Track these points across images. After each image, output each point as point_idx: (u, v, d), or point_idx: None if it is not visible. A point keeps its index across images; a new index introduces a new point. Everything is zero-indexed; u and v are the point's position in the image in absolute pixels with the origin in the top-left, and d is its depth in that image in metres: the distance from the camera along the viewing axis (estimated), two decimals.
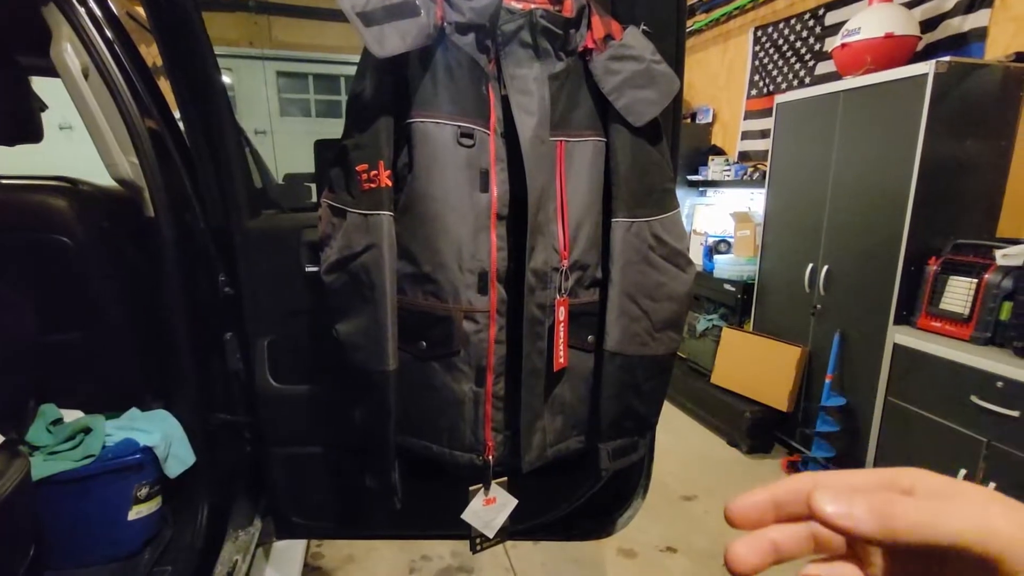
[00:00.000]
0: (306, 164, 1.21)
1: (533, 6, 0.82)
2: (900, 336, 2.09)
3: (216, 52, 1.01)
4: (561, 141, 0.87)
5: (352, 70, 0.83)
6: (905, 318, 2.15)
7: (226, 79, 3.90)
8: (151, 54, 1.21)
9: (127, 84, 1.04)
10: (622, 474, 1.14)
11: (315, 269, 0.99)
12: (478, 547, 0.98)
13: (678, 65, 0.92)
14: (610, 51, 0.86)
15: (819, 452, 2.39)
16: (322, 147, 1.08)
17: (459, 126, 0.82)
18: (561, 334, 0.88)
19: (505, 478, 0.94)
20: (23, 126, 1.14)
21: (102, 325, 1.20)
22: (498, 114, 0.85)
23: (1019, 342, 1.76)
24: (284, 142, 4.15)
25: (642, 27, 0.87)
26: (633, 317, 0.90)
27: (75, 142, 2.67)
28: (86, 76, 1.02)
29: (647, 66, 0.86)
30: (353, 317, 0.87)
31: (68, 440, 1.10)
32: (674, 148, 0.99)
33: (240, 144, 1.09)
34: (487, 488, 0.92)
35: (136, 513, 1.12)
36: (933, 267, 2.06)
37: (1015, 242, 1.94)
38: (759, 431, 2.73)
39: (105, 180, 1.23)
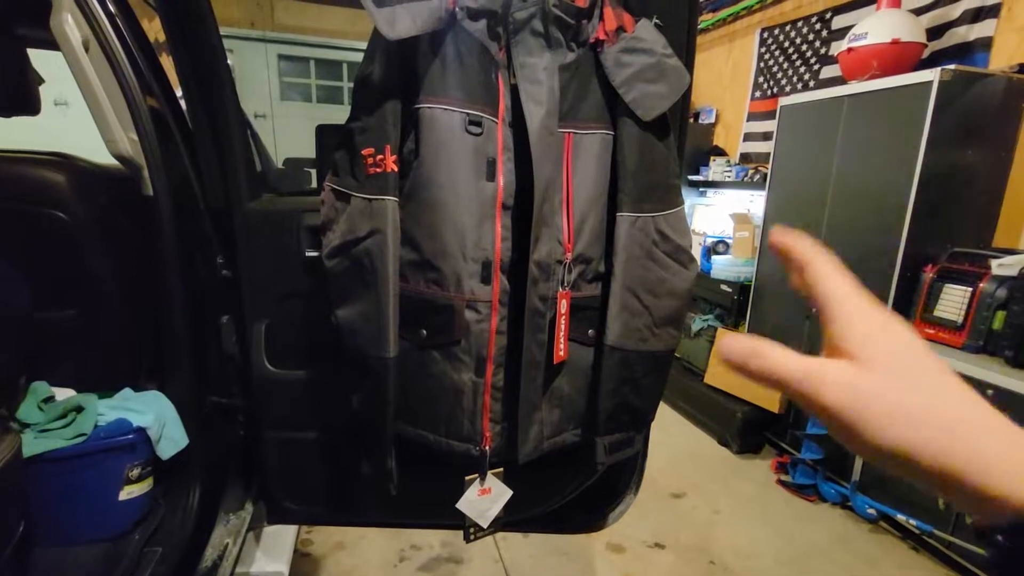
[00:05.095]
0: (306, 149, 1.19)
1: None
2: None
3: None
4: (569, 133, 0.86)
5: (355, 56, 0.82)
6: None
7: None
8: (153, 29, 1.18)
9: (128, 59, 1.02)
10: (616, 469, 1.15)
11: (315, 254, 0.98)
12: (472, 536, 0.98)
13: (688, 60, 0.91)
14: (621, 43, 0.85)
15: (808, 454, 2.41)
16: (324, 132, 1.07)
17: (467, 113, 0.81)
18: (562, 327, 0.87)
19: (501, 469, 0.94)
20: (20, 98, 1.12)
21: (97, 303, 1.19)
22: (507, 103, 0.84)
23: (1010, 351, 1.77)
24: (284, 126, 4.10)
25: (654, 20, 0.87)
26: (634, 312, 0.90)
27: (70, 118, 2.63)
28: (87, 49, 1.00)
29: (658, 60, 0.85)
30: (354, 303, 0.86)
31: (60, 418, 1.08)
32: (680, 145, 0.99)
33: (242, 124, 1.08)
34: (483, 478, 0.92)
35: (127, 493, 1.11)
36: (929, 274, 2.07)
37: (1011, 252, 1.96)
38: (750, 431, 2.75)
39: (98, 158, 1.21)
